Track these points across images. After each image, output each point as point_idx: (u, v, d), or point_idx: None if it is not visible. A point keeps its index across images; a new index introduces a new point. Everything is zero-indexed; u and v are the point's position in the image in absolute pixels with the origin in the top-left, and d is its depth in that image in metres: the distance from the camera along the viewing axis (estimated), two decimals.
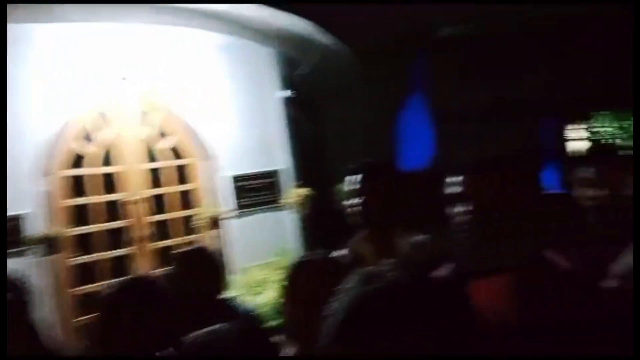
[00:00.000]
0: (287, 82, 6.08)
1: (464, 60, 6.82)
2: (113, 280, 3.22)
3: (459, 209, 1.33)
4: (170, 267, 2.15)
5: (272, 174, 5.67)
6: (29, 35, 4.38)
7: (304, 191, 5.56)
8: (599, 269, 1.25)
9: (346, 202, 1.69)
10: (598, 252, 1.42)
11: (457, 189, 1.33)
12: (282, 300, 1.43)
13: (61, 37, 4.53)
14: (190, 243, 4.95)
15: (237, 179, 5.39)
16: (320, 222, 5.33)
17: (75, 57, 4.58)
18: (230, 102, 5.49)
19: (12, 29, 4.05)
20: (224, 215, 5.23)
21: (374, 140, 6.80)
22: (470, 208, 1.29)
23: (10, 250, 3.95)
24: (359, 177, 1.67)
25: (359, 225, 1.71)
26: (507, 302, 1.26)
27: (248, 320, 2.03)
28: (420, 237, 1.71)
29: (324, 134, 7.02)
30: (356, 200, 1.66)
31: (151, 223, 4.92)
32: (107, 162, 4.78)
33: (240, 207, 5.39)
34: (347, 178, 1.69)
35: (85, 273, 4.54)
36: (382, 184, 1.65)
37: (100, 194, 4.68)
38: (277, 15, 5.08)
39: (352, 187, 1.68)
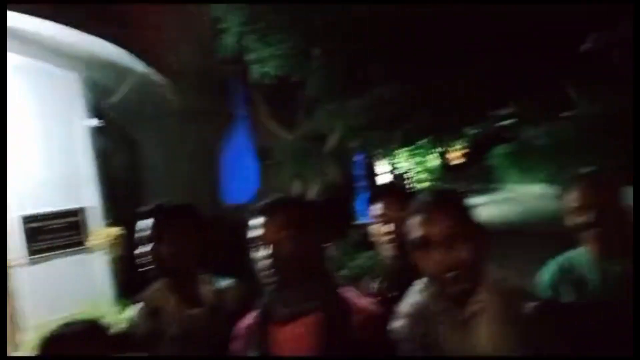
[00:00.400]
0: (97, 110, 5.55)
1: (279, 97, 7.11)
2: None
3: (260, 252, 1.28)
4: None
5: (75, 213, 5.02)
6: None
7: (114, 231, 5.04)
8: (390, 306, 1.30)
9: (138, 250, 1.51)
10: (390, 289, 1.49)
11: (257, 232, 1.28)
12: None
13: None
14: None
15: (29, 219, 4.64)
16: (134, 265, 4.88)
17: None
18: (24, 130, 4.75)
19: None
20: (11, 263, 4.44)
21: (194, 175, 6.60)
22: (269, 251, 1.25)
23: None
24: (150, 221, 1.51)
25: (156, 273, 1.55)
26: (310, 344, 1.25)
27: None
28: (224, 283, 1.62)
29: (139, 166, 6.58)
30: (148, 247, 1.50)
31: None
32: None
33: (34, 252, 4.64)
34: (138, 223, 1.52)
35: None
36: (176, 228, 1.52)
37: None
38: (82, 39, 4.64)
39: (143, 233, 1.51)
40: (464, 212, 1.19)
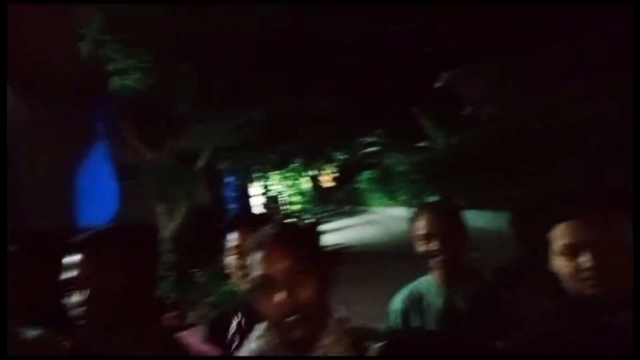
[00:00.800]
0: None
1: (145, 113, 6.70)
2: None
3: (74, 297, 1.07)
4: None
5: None
6: None
7: None
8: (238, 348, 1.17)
9: None
10: (245, 326, 1.36)
11: (71, 273, 1.07)
12: None
13: None
14: None
15: None
16: None
17: None
18: None
19: None
20: None
21: (44, 194, 5.88)
22: (85, 297, 1.04)
23: None
24: None
25: None
26: None
27: None
28: (33, 334, 1.35)
29: None
30: None
31: None
32: None
33: None
34: None
35: None
36: None
37: None
38: None
39: None
40: (309, 248, 1.08)
